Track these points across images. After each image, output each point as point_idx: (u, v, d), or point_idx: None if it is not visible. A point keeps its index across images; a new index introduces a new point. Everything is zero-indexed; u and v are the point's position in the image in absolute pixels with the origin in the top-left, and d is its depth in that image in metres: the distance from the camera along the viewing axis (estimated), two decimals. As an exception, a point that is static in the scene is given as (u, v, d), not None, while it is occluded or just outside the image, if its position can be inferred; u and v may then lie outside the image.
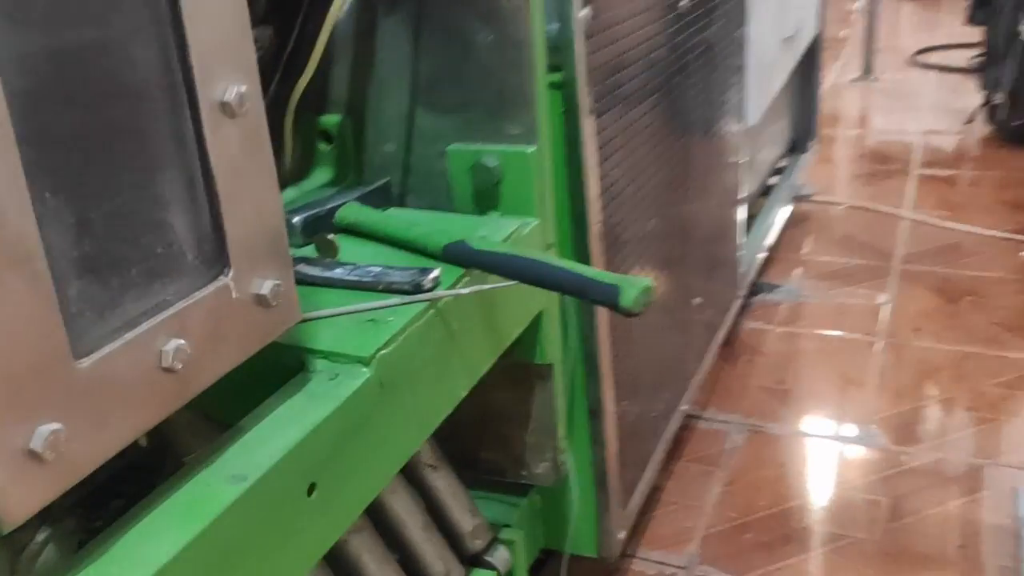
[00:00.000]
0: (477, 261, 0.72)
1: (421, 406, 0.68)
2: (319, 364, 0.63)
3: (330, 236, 0.77)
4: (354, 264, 0.73)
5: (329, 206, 0.82)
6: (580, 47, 0.90)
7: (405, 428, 0.66)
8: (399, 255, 0.78)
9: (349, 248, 0.80)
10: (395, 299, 0.68)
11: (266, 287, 0.54)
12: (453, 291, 0.70)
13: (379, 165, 0.92)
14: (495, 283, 0.71)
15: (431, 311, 0.69)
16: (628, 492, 1.15)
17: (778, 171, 2.25)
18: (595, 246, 0.97)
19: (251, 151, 0.52)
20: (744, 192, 1.66)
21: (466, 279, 0.73)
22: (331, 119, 0.92)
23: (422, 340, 0.67)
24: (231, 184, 0.51)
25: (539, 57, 0.83)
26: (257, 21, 0.92)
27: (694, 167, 1.32)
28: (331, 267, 0.73)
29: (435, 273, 0.70)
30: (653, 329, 1.21)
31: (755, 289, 1.97)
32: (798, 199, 2.31)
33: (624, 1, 1.02)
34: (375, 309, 0.67)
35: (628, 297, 0.63)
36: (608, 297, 0.64)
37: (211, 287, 0.51)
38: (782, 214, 2.09)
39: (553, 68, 0.89)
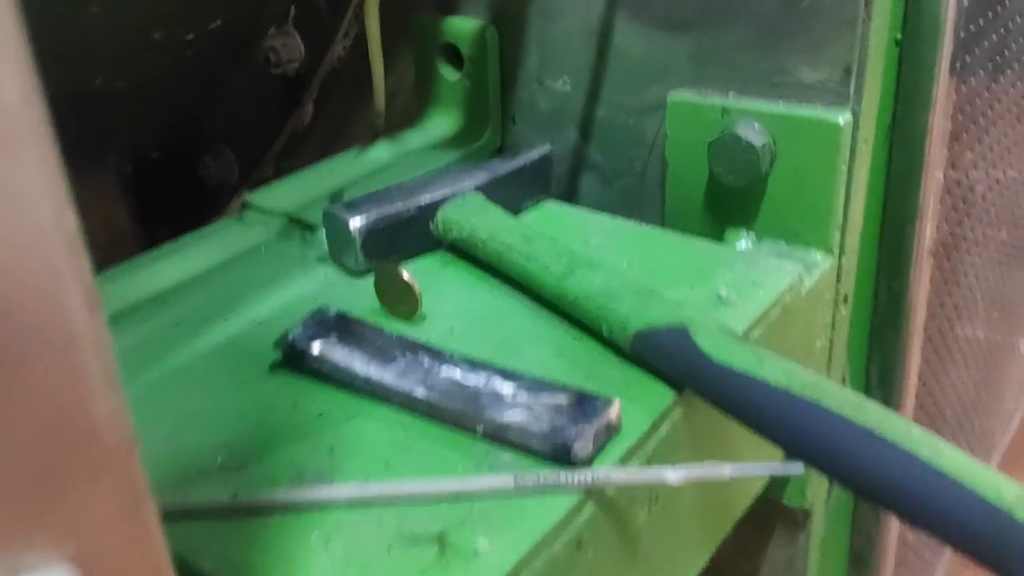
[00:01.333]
0: (711, 387, 0.31)
1: None
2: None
3: (405, 273, 0.37)
4: (437, 355, 0.33)
5: (425, 200, 0.43)
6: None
7: None
8: (539, 322, 0.38)
9: (444, 292, 0.40)
10: (506, 473, 0.29)
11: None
12: (644, 475, 0.29)
13: (539, 117, 0.51)
14: (746, 462, 0.30)
15: (589, 508, 0.29)
16: (889, 668, 0.73)
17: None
18: (917, 297, 0.53)
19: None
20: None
21: (676, 413, 0.32)
22: (465, 25, 0.52)
23: (558, 586, 0.28)
24: None
25: (890, -79, 0.39)
26: None
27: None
28: (385, 350, 0.33)
29: (610, 415, 0.30)
30: (962, 406, 0.75)
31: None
32: None
33: None
34: (456, 498, 0.28)
35: None
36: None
37: None
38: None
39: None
